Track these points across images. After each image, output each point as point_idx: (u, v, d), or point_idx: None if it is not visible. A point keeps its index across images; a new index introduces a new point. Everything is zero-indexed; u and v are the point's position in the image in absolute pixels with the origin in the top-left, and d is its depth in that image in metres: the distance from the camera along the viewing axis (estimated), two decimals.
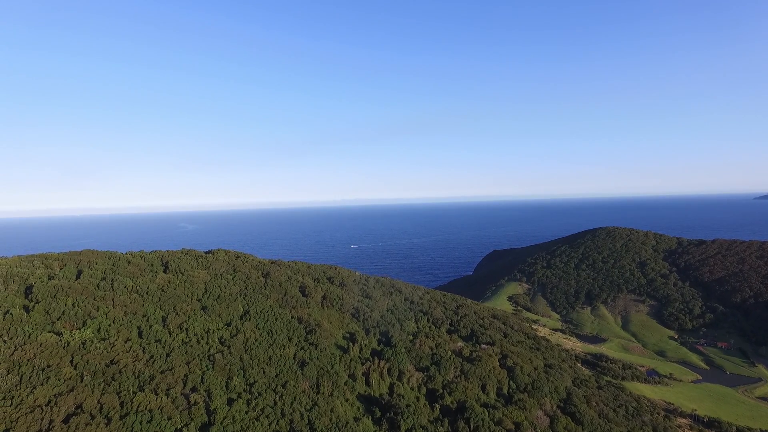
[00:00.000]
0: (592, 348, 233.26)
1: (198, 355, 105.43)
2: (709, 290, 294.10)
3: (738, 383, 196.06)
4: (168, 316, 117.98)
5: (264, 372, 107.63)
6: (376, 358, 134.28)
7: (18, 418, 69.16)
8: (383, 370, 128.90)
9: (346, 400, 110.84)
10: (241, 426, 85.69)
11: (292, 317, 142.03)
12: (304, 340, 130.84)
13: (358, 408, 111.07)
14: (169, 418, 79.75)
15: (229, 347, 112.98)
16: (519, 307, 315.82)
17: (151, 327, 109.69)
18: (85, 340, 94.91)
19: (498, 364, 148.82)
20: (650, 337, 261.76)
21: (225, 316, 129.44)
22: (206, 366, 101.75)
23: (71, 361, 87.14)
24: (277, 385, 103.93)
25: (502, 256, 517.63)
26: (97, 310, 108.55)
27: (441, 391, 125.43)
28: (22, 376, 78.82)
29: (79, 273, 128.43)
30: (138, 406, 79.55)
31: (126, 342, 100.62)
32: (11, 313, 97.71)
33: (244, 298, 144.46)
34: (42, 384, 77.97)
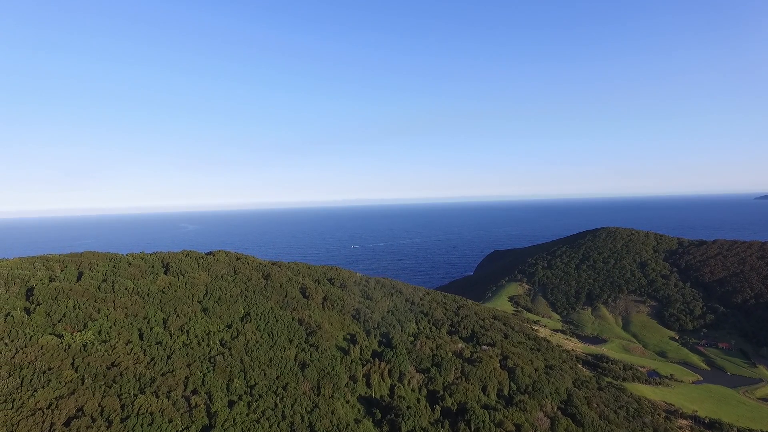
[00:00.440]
0: (593, 349, 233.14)
1: (199, 357, 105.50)
2: (709, 291, 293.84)
3: (739, 384, 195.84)
4: (169, 318, 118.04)
5: (265, 374, 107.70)
6: (376, 359, 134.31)
7: (19, 421, 69.26)
8: (384, 371, 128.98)
9: (347, 402, 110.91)
10: (242, 428, 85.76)
11: (292, 319, 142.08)
12: (305, 342, 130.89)
13: (359, 410, 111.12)
14: (170, 421, 79.82)
15: (229, 349, 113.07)
16: (519, 308, 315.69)
17: (152, 329, 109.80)
18: (86, 343, 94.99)
19: (499, 365, 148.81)
20: (651, 338, 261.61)
21: (226, 318, 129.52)
22: (207, 368, 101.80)
23: (72, 364, 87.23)
24: (277, 387, 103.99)
25: (503, 256, 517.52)
26: (98, 313, 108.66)
27: (442, 392, 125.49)
28: (23, 378, 78.92)
29: (80, 275, 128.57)
30: (139, 409, 79.61)
31: (127, 344, 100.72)
32: (12, 316, 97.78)
33: (244, 300, 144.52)
34: (43, 387, 78.06)
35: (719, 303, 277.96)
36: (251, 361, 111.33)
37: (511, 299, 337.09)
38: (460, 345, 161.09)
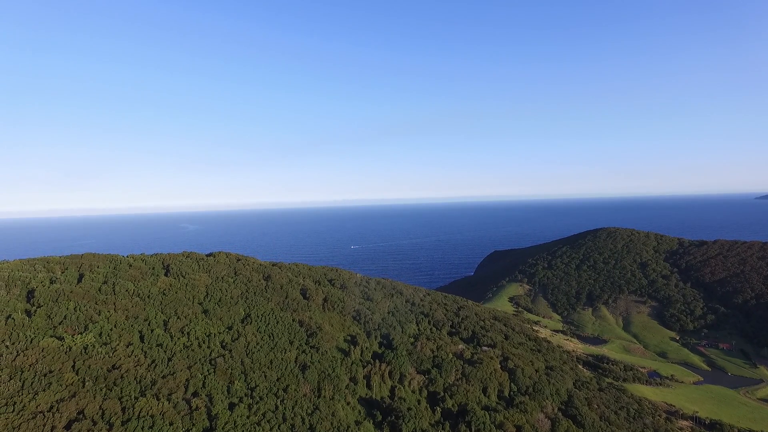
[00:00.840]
0: (594, 349, 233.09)
1: (199, 360, 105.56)
2: (710, 291, 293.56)
3: (740, 385, 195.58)
4: (169, 320, 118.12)
5: (265, 376, 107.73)
6: (377, 360, 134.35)
7: (20, 425, 69.30)
8: (384, 373, 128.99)
9: (348, 404, 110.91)
10: (243, 431, 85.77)
11: (293, 320, 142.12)
12: (306, 344, 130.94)
13: (360, 411, 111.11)
14: (171, 424, 79.83)
15: (230, 351, 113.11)
16: (520, 308, 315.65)
17: (152, 331, 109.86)
18: (87, 345, 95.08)
19: (499, 366, 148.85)
20: (651, 339, 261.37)
21: (226, 320, 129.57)
22: (208, 370, 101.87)
23: (73, 366, 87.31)
24: (278, 389, 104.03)
25: (503, 256, 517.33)
26: (99, 315, 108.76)
27: (442, 394, 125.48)
28: (24, 381, 78.98)
29: (81, 277, 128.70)
30: (140, 412, 79.66)
31: (127, 346, 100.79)
32: (13, 318, 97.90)
33: (245, 302, 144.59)
34: (44, 390, 78.13)
35: (720, 303, 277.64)
36: (252, 363, 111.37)
37: (511, 300, 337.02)
38: (461, 346, 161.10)
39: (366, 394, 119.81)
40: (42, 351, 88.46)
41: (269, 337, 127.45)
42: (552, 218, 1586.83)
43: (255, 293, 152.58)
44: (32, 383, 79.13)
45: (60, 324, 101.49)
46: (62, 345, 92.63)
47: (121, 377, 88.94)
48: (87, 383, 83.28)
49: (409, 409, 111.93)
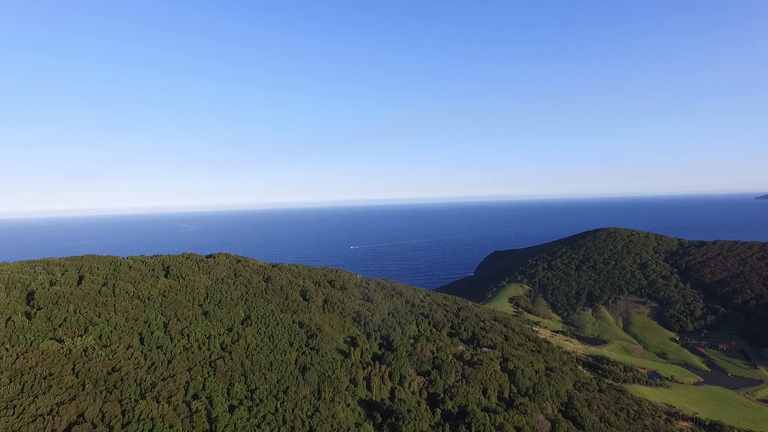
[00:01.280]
0: (593, 350, 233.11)
1: (199, 362, 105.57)
2: (710, 292, 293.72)
3: (740, 385, 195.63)
4: (169, 322, 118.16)
5: (265, 378, 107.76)
6: (377, 362, 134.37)
7: (20, 428, 69.34)
8: (384, 374, 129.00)
9: (348, 406, 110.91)
10: None
11: (293, 322, 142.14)
12: (305, 345, 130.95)
13: (360, 413, 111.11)
14: (171, 427, 79.87)
15: (230, 353, 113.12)
16: (520, 309, 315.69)
17: (152, 333, 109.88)
18: (87, 348, 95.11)
19: (499, 367, 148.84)
20: (651, 339, 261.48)
21: (226, 322, 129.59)
22: (208, 372, 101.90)
23: (73, 369, 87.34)
24: (278, 391, 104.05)
25: (503, 257, 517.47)
26: (99, 317, 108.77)
27: (442, 395, 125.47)
28: (23, 384, 79.01)
29: (81, 279, 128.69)
30: (140, 415, 79.70)
31: (127, 349, 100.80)
32: (13, 320, 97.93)
33: (245, 303, 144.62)
34: (44, 393, 78.15)
35: (720, 304, 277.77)
36: (252, 365, 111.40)
37: (511, 300, 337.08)
38: (461, 347, 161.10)
39: (366, 396, 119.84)
40: (42, 353, 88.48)
41: (269, 338, 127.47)
42: (552, 218, 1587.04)
43: (255, 295, 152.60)
44: (32, 386, 79.15)
45: (60, 326, 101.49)
46: (62, 347, 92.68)
47: (121, 380, 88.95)
48: (87, 386, 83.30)
49: (409, 410, 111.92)
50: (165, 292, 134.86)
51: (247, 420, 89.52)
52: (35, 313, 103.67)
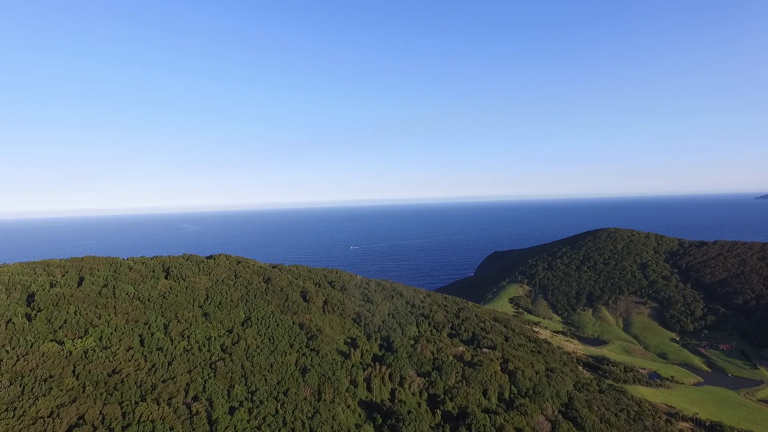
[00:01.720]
0: (594, 350, 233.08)
1: (200, 363, 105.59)
2: (710, 292, 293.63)
3: (740, 386, 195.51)
4: (170, 324, 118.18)
5: (265, 379, 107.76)
6: (377, 363, 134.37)
7: (21, 431, 69.36)
8: (384, 375, 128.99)
9: (348, 407, 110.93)
10: None
11: (293, 323, 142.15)
12: (306, 347, 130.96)
13: (360, 414, 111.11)
14: (171, 429, 79.89)
15: (230, 354, 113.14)
16: (520, 309, 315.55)
17: (152, 335, 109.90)
18: (87, 350, 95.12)
19: (499, 368, 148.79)
20: (652, 339, 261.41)
21: (226, 323, 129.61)
22: (208, 374, 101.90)
23: (73, 371, 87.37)
24: (278, 392, 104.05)
25: (503, 257, 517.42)
26: (99, 318, 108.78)
27: (442, 396, 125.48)
28: (24, 387, 79.04)
29: (81, 280, 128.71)
30: (140, 417, 79.72)
31: (128, 351, 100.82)
32: (13, 322, 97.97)
33: (245, 304, 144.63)
34: (44, 395, 78.19)
35: (720, 304, 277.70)
36: (252, 366, 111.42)
37: (511, 300, 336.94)
38: (461, 348, 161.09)
39: (366, 397, 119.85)
40: (42, 355, 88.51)
41: (269, 340, 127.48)
42: (552, 218, 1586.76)
43: (255, 296, 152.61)
44: (32, 388, 79.19)
45: (60, 328, 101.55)
46: (62, 349, 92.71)
47: (122, 382, 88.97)
48: (87, 388, 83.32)
49: (409, 412, 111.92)
50: (165, 293, 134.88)
51: (248, 422, 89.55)
52: (35, 315, 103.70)
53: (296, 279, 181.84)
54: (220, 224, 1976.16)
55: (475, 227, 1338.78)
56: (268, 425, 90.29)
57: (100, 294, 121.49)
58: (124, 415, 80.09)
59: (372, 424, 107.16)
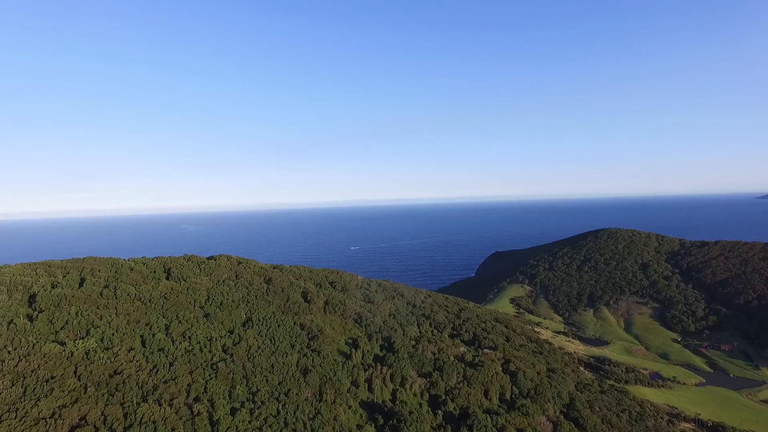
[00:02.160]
0: (595, 351, 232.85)
1: (201, 364, 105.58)
2: (712, 292, 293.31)
3: (742, 386, 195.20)
4: (171, 324, 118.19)
5: (267, 380, 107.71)
6: (378, 364, 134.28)
7: (23, 431, 69.34)
8: (386, 376, 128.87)
9: (349, 408, 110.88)
10: None
11: (294, 324, 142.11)
12: (307, 347, 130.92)
13: (361, 415, 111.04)
14: (173, 430, 79.86)
15: (231, 355, 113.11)
16: (521, 310, 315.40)
17: (154, 336, 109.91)
18: (89, 350, 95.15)
19: (501, 369, 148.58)
20: (653, 340, 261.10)
21: (228, 324, 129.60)
22: (209, 375, 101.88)
23: (75, 372, 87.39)
24: (279, 393, 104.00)
25: (504, 257, 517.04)
26: (101, 319, 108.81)
27: (444, 397, 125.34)
28: (26, 387, 79.06)
29: (82, 281, 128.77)
30: (141, 418, 79.70)
31: (129, 351, 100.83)
32: (15, 323, 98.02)
33: (246, 305, 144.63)
34: (46, 396, 78.19)
35: (721, 304, 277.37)
36: (253, 367, 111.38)
37: (512, 301, 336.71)
38: (462, 348, 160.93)
39: (368, 398, 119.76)
40: (44, 356, 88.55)
41: (270, 340, 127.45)
42: (552, 219, 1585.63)
43: (256, 297, 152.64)
44: (34, 389, 79.21)
45: (62, 329, 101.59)
46: (64, 350, 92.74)
47: (123, 383, 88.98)
48: (89, 389, 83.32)
49: (410, 412, 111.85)
50: (166, 294, 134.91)
51: (249, 422, 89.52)
52: (37, 316, 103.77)
53: (297, 279, 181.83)
54: (221, 225, 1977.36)
55: (476, 227, 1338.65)
56: (270, 426, 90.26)
57: (101, 295, 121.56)
58: (125, 416, 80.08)
59: (373, 425, 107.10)
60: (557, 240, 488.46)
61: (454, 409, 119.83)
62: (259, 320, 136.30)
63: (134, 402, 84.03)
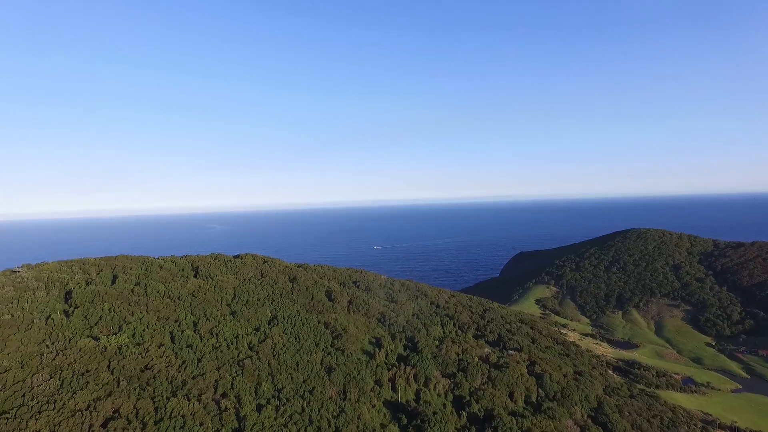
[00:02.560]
0: (624, 354, 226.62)
1: (228, 361, 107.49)
2: (748, 295, 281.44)
3: None
4: (199, 321, 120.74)
5: (292, 378, 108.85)
6: (402, 363, 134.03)
7: (60, 422, 71.99)
8: (409, 376, 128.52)
9: (373, 407, 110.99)
10: None
11: (318, 322, 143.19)
12: (331, 346, 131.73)
13: (385, 414, 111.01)
14: (201, 424, 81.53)
15: (257, 353, 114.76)
16: (547, 311, 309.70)
17: (182, 332, 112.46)
18: (121, 345, 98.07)
19: (526, 370, 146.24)
20: (686, 344, 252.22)
21: (254, 321, 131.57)
22: (236, 371, 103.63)
23: (108, 366, 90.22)
24: (304, 391, 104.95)
25: (529, 258, 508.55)
26: (132, 315, 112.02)
27: (468, 398, 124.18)
28: (63, 380, 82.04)
29: (115, 278, 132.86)
30: (171, 412, 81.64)
31: (159, 347, 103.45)
32: (53, 318, 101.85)
33: (271, 303, 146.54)
34: (82, 389, 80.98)
35: (759, 308, 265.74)
36: (279, 364, 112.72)
37: (538, 302, 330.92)
38: (487, 349, 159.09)
39: (391, 397, 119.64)
40: (79, 351, 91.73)
41: (295, 338, 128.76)
42: (579, 219, 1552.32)
43: (281, 295, 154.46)
44: (71, 382, 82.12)
45: (96, 324, 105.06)
46: (98, 345, 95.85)
47: (154, 377, 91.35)
48: (122, 383, 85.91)
49: (434, 413, 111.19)
50: (194, 291, 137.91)
51: (275, 419, 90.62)
52: (73, 312, 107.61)
53: (321, 278, 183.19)
54: (246, 224, 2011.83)
55: (500, 227, 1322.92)
56: (295, 423, 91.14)
57: (132, 292, 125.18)
58: (156, 409, 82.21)
59: (397, 425, 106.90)
60: (584, 240, 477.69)
61: (479, 410, 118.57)
62: (284, 318, 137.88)
63: (164, 396, 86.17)
